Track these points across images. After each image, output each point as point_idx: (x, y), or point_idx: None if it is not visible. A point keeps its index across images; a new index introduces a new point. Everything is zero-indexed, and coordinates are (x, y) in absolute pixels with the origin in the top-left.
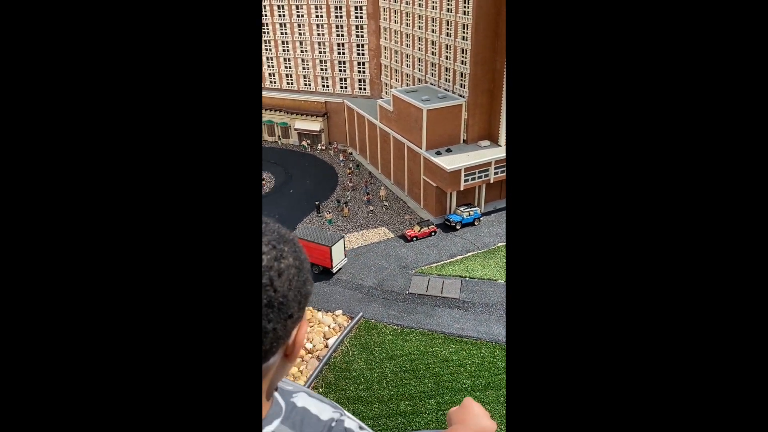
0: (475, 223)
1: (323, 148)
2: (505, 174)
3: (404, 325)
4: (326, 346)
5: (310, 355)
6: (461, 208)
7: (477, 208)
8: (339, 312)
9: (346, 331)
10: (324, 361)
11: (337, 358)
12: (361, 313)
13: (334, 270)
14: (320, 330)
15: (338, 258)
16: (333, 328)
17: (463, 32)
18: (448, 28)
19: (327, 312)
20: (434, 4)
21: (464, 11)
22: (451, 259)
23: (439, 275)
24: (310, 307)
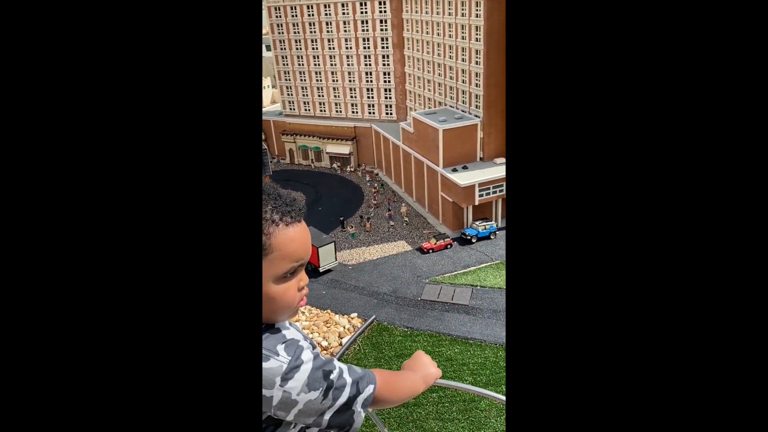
0: (491, 237)
1: (352, 169)
2: None
3: (414, 328)
4: (340, 344)
5: (325, 351)
6: (477, 223)
7: (493, 222)
8: (354, 315)
9: (359, 332)
10: (337, 356)
11: (349, 355)
12: (374, 316)
13: (321, 269)
14: (336, 330)
15: (327, 260)
16: (347, 329)
17: (476, 57)
18: (463, 54)
19: (343, 315)
20: (450, 33)
21: (476, 38)
22: (465, 270)
23: (452, 284)
24: (328, 310)
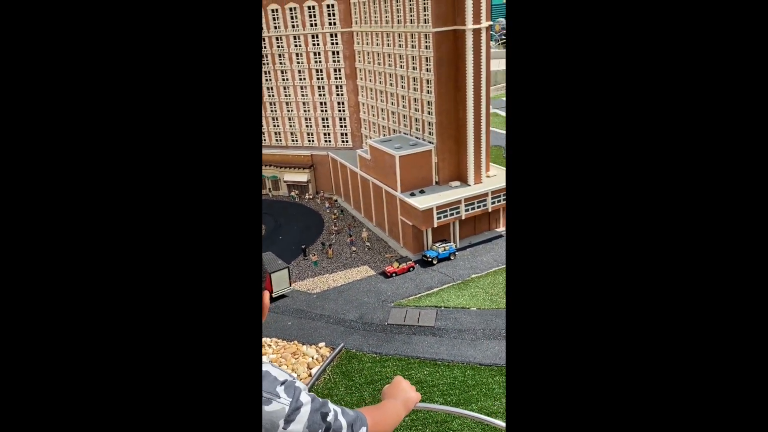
0: (451, 258)
1: (311, 197)
2: (475, 211)
3: (382, 353)
4: (309, 375)
5: None
6: (437, 244)
7: (452, 243)
8: (322, 344)
9: (328, 361)
10: (307, 388)
11: (319, 385)
12: (342, 344)
13: (275, 295)
14: (304, 361)
15: (280, 285)
16: (316, 359)
17: (428, 87)
18: (414, 84)
19: (311, 345)
20: (402, 64)
21: (426, 68)
22: (428, 292)
23: (416, 306)
24: (295, 341)
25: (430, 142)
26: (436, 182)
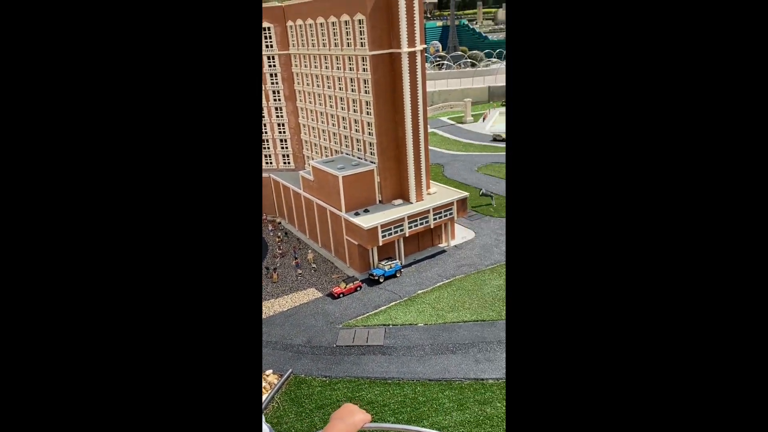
0: (397, 275)
1: None
2: (418, 227)
3: (332, 376)
4: None
5: None
6: (383, 262)
7: (397, 261)
8: (269, 372)
9: (276, 389)
10: None
11: (268, 413)
12: (290, 370)
13: None
14: None
15: None
16: (264, 387)
17: (367, 108)
18: (354, 106)
19: None
20: (341, 86)
21: (365, 90)
22: (376, 310)
23: (365, 326)
24: None
25: (372, 162)
26: (380, 201)
